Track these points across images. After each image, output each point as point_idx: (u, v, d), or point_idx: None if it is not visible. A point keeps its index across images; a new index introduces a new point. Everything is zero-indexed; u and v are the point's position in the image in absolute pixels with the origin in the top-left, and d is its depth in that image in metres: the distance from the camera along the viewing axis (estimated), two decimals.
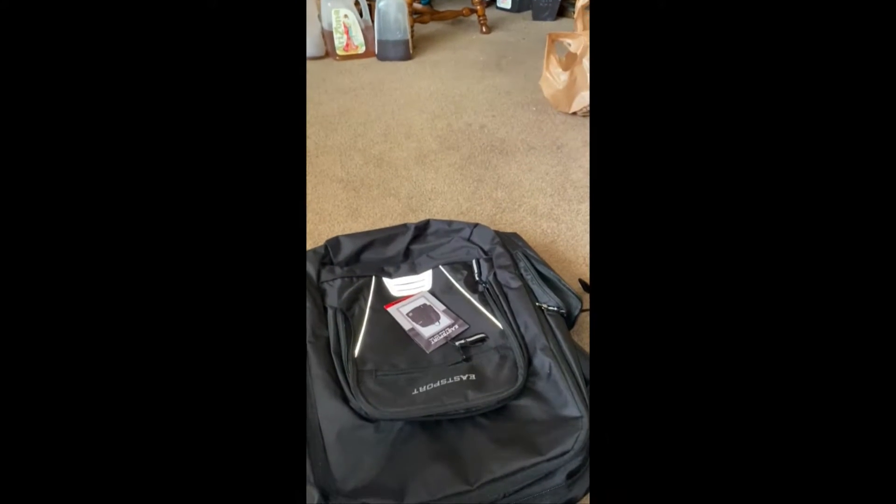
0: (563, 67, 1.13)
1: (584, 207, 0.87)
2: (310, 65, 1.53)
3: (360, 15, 1.53)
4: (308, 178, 0.96)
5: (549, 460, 0.42)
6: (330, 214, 0.86)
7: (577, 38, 1.10)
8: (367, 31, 1.55)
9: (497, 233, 0.69)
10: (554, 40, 1.13)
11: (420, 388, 0.47)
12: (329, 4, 1.48)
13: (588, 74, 1.09)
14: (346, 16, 1.50)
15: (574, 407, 0.46)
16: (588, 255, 0.77)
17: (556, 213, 0.87)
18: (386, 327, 0.57)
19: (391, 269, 0.66)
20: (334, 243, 0.67)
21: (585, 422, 0.45)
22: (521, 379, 0.48)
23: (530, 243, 0.71)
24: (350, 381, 0.48)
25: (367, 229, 0.72)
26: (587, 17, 1.12)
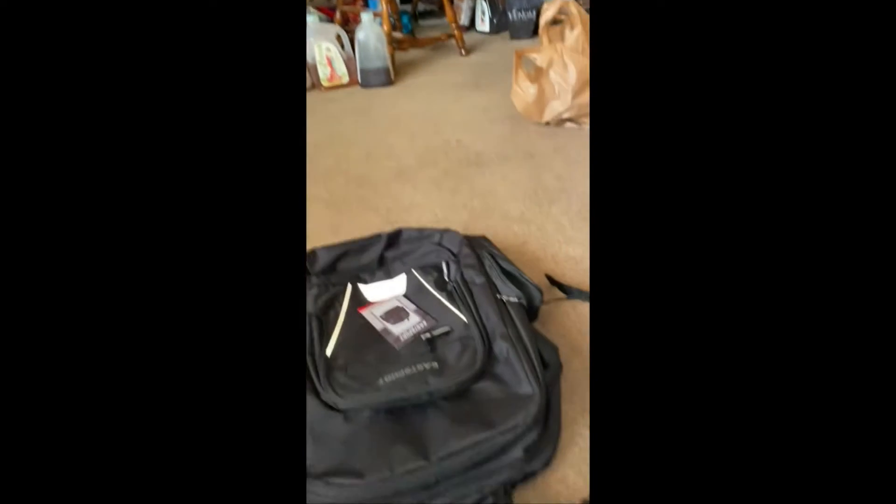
0: (532, 80, 1.18)
1: (555, 209, 0.91)
2: None
3: (342, 47, 1.61)
4: None
5: (502, 433, 0.44)
6: (312, 232, 0.90)
7: (543, 51, 1.15)
8: (349, 62, 1.63)
9: (465, 236, 0.73)
10: (521, 56, 1.19)
11: (385, 378, 0.51)
12: (312, 40, 1.57)
13: (555, 85, 1.14)
14: (328, 49, 1.58)
15: (528, 385, 0.49)
16: (556, 253, 0.80)
17: (527, 216, 0.91)
18: (359, 328, 0.60)
19: (367, 276, 0.69)
20: (311, 255, 0.71)
21: (538, 398, 0.47)
22: (479, 364, 0.51)
23: (503, 246, 0.74)
24: (321, 375, 0.51)
25: None
26: (551, 32, 1.18)
